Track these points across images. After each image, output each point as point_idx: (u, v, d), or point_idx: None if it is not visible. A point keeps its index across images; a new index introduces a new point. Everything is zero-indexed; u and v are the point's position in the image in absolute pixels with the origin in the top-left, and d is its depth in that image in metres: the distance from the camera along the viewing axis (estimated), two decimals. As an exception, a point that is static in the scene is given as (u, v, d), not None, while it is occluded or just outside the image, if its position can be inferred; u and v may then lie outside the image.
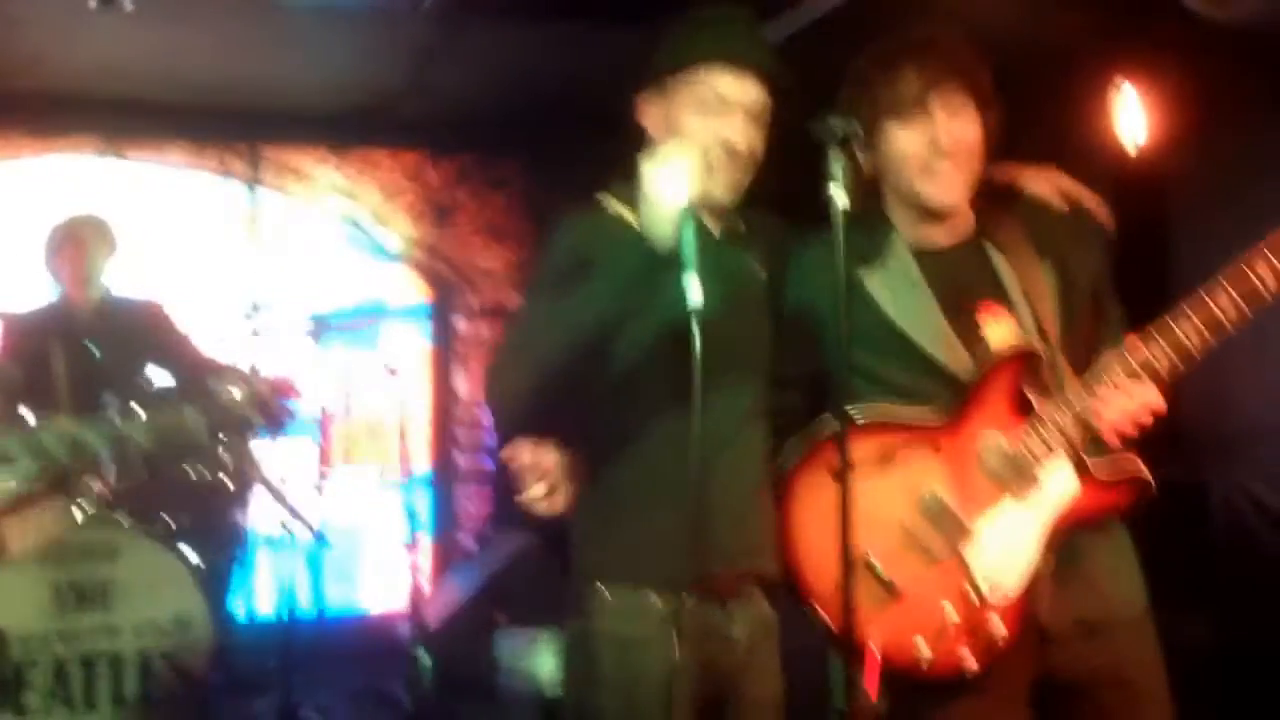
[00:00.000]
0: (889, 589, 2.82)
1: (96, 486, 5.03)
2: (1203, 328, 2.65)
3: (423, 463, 8.59)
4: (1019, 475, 2.77)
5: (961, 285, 2.91)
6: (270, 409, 4.26)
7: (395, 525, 6.48)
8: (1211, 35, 5.17)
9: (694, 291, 2.54)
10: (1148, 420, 2.70)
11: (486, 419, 8.40)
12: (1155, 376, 2.69)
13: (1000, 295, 2.89)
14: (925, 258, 2.96)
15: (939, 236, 2.96)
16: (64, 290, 5.88)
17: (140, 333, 5.89)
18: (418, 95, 7.51)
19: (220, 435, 5.05)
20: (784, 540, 2.95)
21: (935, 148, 2.83)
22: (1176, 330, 2.68)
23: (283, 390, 5.59)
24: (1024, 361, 2.82)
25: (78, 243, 5.89)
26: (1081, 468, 2.77)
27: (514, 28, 6.43)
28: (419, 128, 8.30)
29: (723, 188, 2.90)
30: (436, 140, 8.53)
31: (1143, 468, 2.75)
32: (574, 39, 6.43)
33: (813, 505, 2.89)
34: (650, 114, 2.98)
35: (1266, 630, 5.60)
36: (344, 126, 8.24)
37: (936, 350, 2.88)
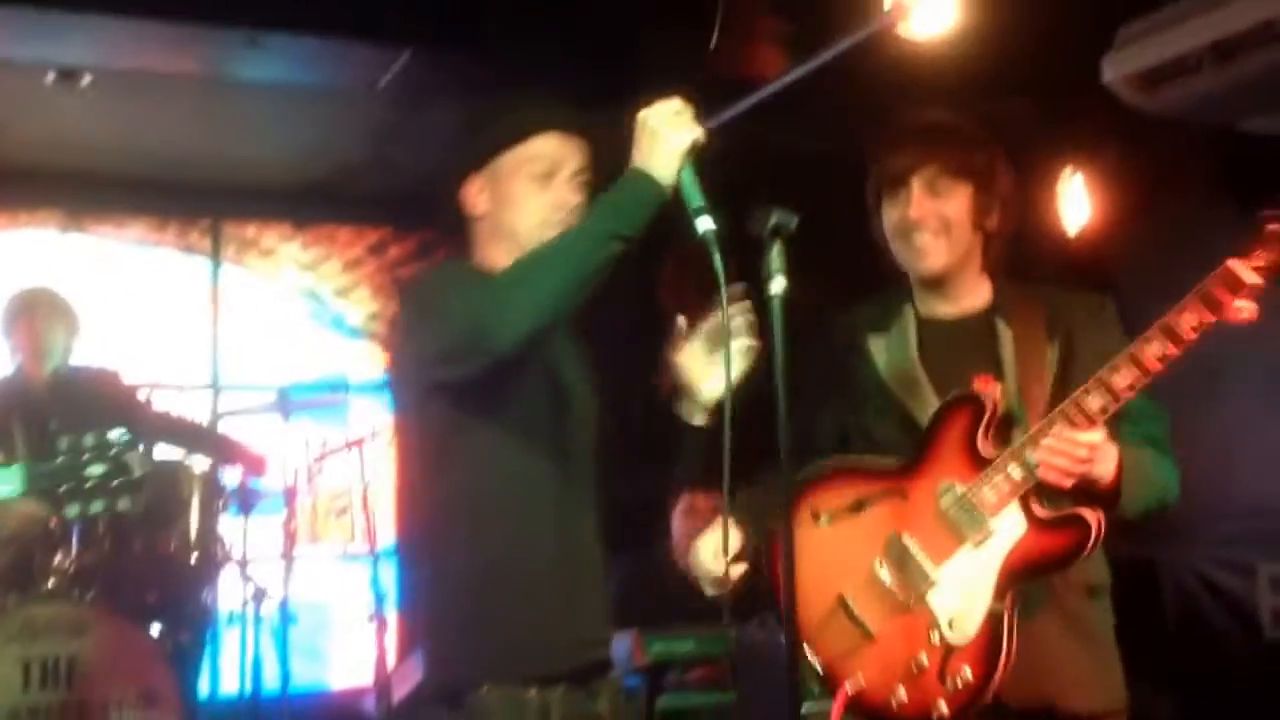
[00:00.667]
0: (864, 630, 2.97)
1: (63, 563, 5.04)
2: (1134, 373, 2.82)
3: (388, 537, 8.59)
4: (974, 523, 2.91)
5: (959, 355, 3.12)
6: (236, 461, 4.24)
7: (361, 600, 6.47)
8: (1148, 125, 5.35)
9: (705, 223, 2.55)
10: (1088, 462, 2.82)
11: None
12: (1091, 420, 2.83)
13: (994, 368, 3.07)
14: (931, 326, 3.21)
15: (947, 308, 3.21)
16: (20, 363, 5.87)
17: (98, 400, 5.87)
18: (378, 172, 7.60)
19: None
20: (773, 583, 3.06)
21: (907, 219, 3.10)
22: (1108, 378, 2.83)
23: (254, 462, 5.64)
24: (973, 411, 2.97)
25: (32, 316, 5.85)
26: (1029, 512, 2.89)
27: (470, 108, 6.52)
28: (380, 204, 8.36)
29: None
30: (398, 216, 8.57)
31: (1085, 511, 2.85)
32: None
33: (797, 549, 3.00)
34: (477, 197, 2.99)
35: (1220, 709, 5.69)
36: (306, 202, 8.30)
37: (921, 415, 3.09)
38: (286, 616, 5.87)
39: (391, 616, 7.74)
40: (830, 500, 3.06)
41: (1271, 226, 2.77)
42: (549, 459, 2.92)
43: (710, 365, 2.85)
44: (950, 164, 3.10)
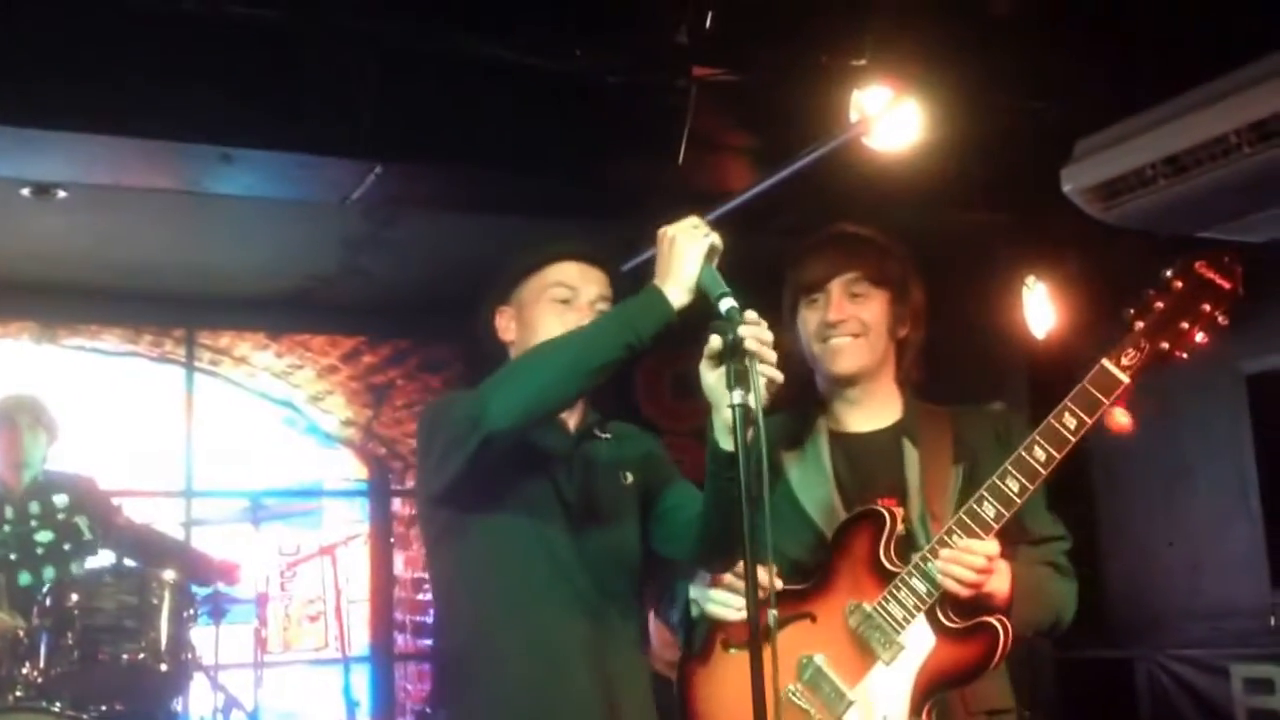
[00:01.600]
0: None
1: (30, 673, 5.02)
2: (1022, 478, 2.88)
3: (361, 642, 8.58)
4: (884, 640, 2.93)
5: (866, 472, 3.18)
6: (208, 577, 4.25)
7: (333, 708, 6.45)
8: (1109, 232, 5.46)
9: (728, 302, 2.63)
10: (986, 571, 2.86)
11: (426, 597, 8.41)
12: (986, 528, 2.88)
13: (899, 487, 3.12)
14: (841, 440, 3.24)
15: (858, 423, 3.25)
16: None
17: (74, 506, 5.87)
18: (351, 281, 7.65)
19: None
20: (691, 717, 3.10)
21: (827, 321, 3.17)
22: (1000, 485, 2.89)
23: (225, 571, 5.64)
24: (874, 527, 3.01)
25: (12, 425, 5.88)
26: (936, 624, 2.92)
27: (442, 220, 6.62)
28: (354, 312, 8.41)
29: None
30: (372, 324, 8.62)
31: (993, 619, 2.88)
32: (504, 228, 6.61)
33: (712, 681, 3.08)
34: (504, 324, 3.18)
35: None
36: (279, 311, 8.34)
37: (826, 526, 3.13)
38: (256, 726, 5.85)
39: (364, 725, 7.74)
40: (739, 629, 2.92)
41: (1138, 324, 2.85)
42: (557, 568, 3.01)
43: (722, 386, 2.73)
44: (869, 271, 3.20)
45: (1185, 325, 2.83)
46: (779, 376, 2.60)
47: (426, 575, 8.28)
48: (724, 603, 2.97)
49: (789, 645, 2.95)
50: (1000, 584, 2.90)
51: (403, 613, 8.79)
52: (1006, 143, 5.69)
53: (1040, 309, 6.50)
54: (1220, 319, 2.84)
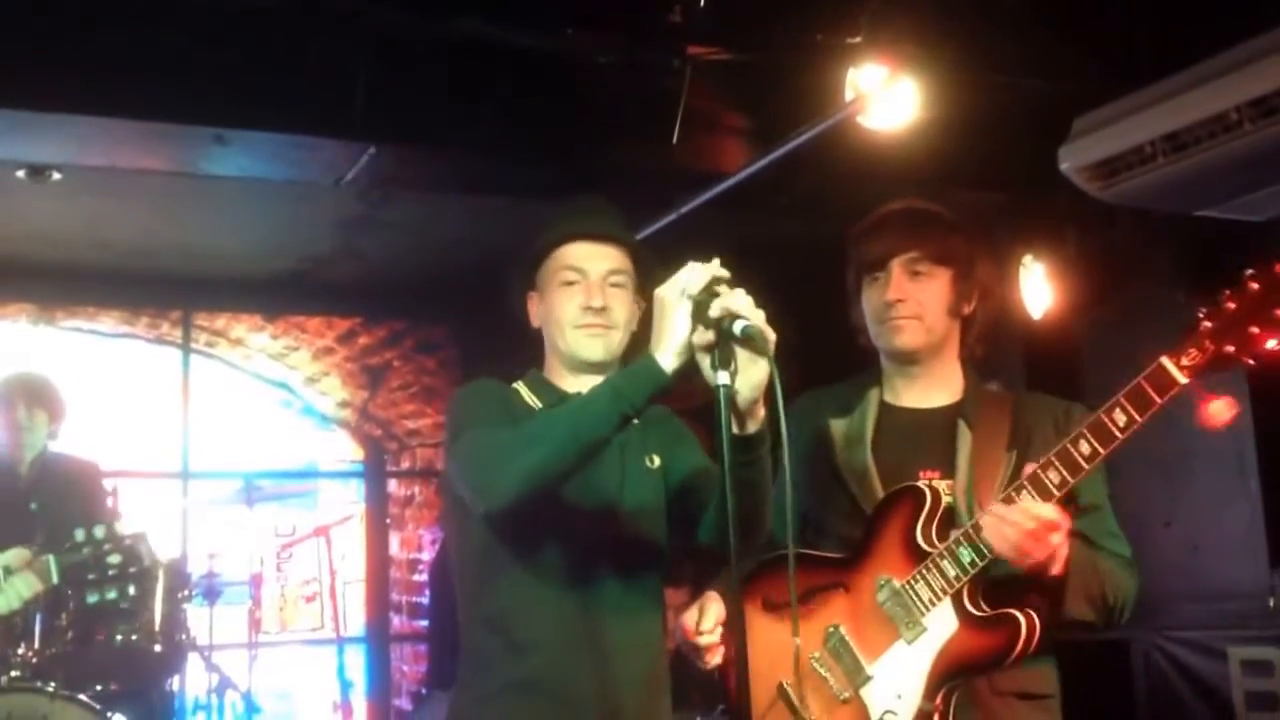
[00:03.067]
0: None
1: (25, 654, 5.02)
2: (1064, 471, 2.81)
3: (357, 623, 8.57)
4: (908, 619, 2.93)
5: (915, 447, 3.14)
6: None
7: (327, 688, 6.45)
8: (1107, 211, 5.44)
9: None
10: (1036, 536, 2.78)
11: (422, 578, 8.41)
12: (1046, 493, 2.82)
13: (946, 466, 3.09)
14: (893, 414, 3.23)
15: (914, 398, 3.23)
16: (1, 449, 5.90)
17: (76, 490, 5.89)
18: (347, 262, 7.64)
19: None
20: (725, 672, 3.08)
21: (888, 300, 3.13)
22: (1042, 476, 2.83)
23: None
24: (914, 504, 2.99)
25: (15, 405, 5.89)
26: (961, 609, 2.90)
27: (436, 201, 6.60)
28: (349, 294, 8.39)
29: (599, 350, 3.04)
30: (367, 306, 8.61)
31: (1017, 611, 2.86)
32: (499, 209, 6.60)
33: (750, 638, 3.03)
34: (534, 309, 3.14)
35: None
36: (275, 293, 8.32)
37: (868, 505, 3.09)
38: (251, 705, 5.84)
39: (359, 704, 7.75)
40: (780, 590, 3.06)
41: (1205, 324, 2.73)
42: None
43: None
44: (930, 249, 3.15)
45: (1255, 330, 2.68)
46: (769, 333, 2.48)
47: (433, 550, 8.31)
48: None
49: (820, 613, 3.03)
50: (1053, 558, 2.81)
51: (398, 593, 8.78)
52: (1003, 121, 5.66)
53: (1037, 288, 6.48)
54: None
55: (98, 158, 5.50)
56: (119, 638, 5.17)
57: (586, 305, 3.01)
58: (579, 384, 3.01)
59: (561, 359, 3.08)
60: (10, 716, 4.83)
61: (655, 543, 3.06)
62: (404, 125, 5.35)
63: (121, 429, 8.15)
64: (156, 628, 5.24)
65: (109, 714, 4.98)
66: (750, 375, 2.53)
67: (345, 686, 5.95)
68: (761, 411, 2.60)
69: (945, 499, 3.00)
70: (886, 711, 2.90)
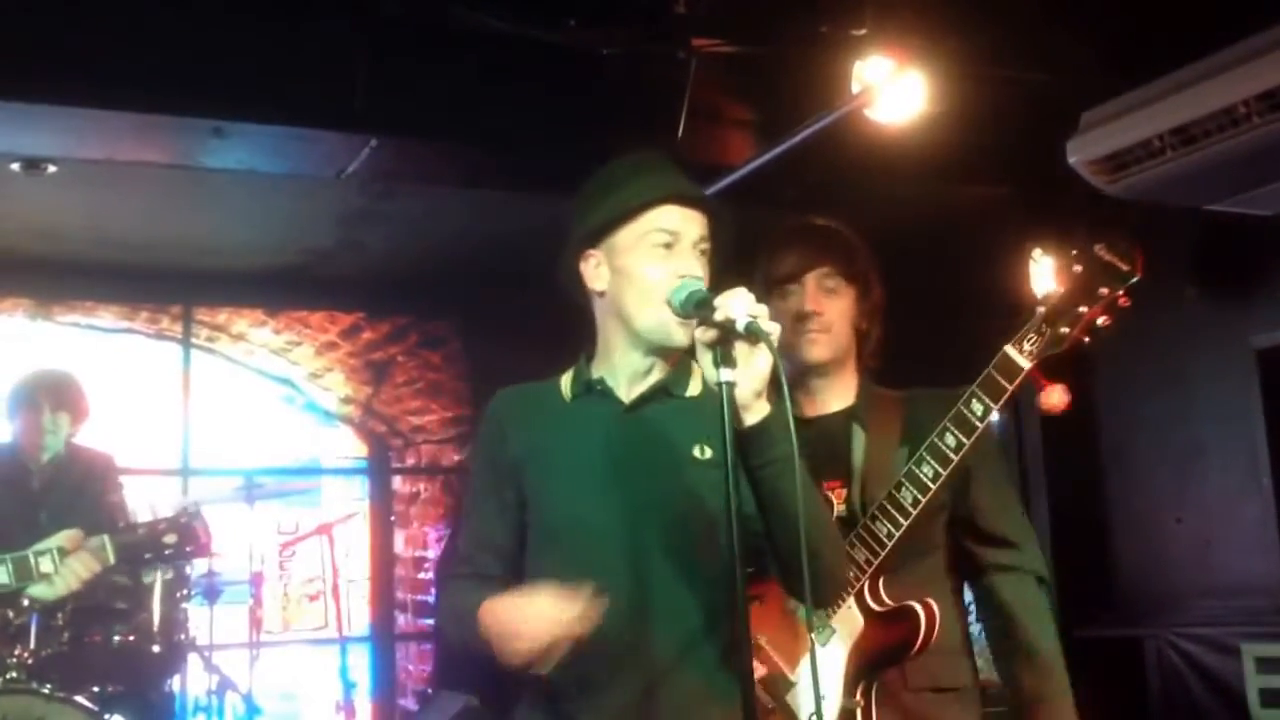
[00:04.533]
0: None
1: (21, 655, 4.99)
2: (935, 464, 2.99)
3: (361, 623, 8.53)
4: (818, 622, 3.03)
5: (817, 457, 3.05)
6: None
7: (330, 689, 6.42)
8: (1115, 205, 5.40)
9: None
10: None
11: (427, 576, 8.37)
12: (905, 513, 3.00)
13: (842, 470, 3.22)
14: (797, 425, 3.12)
15: (811, 408, 3.34)
16: (19, 445, 5.88)
17: (92, 482, 5.88)
18: (349, 256, 7.60)
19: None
20: None
21: (805, 311, 3.27)
22: (916, 471, 3.01)
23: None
24: None
25: (33, 406, 5.87)
26: (864, 606, 3.03)
27: (438, 194, 6.56)
28: (353, 288, 8.34)
29: (684, 336, 2.73)
30: (371, 300, 8.55)
31: (915, 604, 2.99)
32: (500, 203, 6.57)
33: None
34: (593, 270, 2.83)
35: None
36: (277, 287, 8.27)
37: None
38: (252, 706, 5.81)
39: (363, 704, 7.71)
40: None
41: (1040, 310, 2.93)
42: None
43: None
44: (841, 266, 3.32)
45: (1084, 309, 2.91)
46: (773, 326, 2.44)
47: (438, 548, 8.28)
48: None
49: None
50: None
51: (404, 592, 8.72)
52: (1011, 114, 5.64)
53: (1046, 282, 6.43)
54: (1121, 301, 2.90)
55: (94, 150, 5.47)
56: (116, 638, 5.14)
57: (683, 275, 2.70)
58: (629, 366, 2.85)
59: (632, 331, 2.80)
60: (5, 718, 4.80)
61: (702, 544, 2.74)
62: (405, 118, 5.32)
63: (121, 425, 8.09)
64: (155, 628, 5.21)
65: (106, 715, 4.96)
66: (751, 367, 2.47)
67: (348, 687, 5.91)
68: (762, 403, 2.51)
69: (838, 510, 3.14)
70: (812, 714, 2.92)
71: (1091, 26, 5.29)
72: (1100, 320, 2.91)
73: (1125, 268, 2.90)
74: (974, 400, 2.94)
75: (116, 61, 4.82)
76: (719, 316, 2.45)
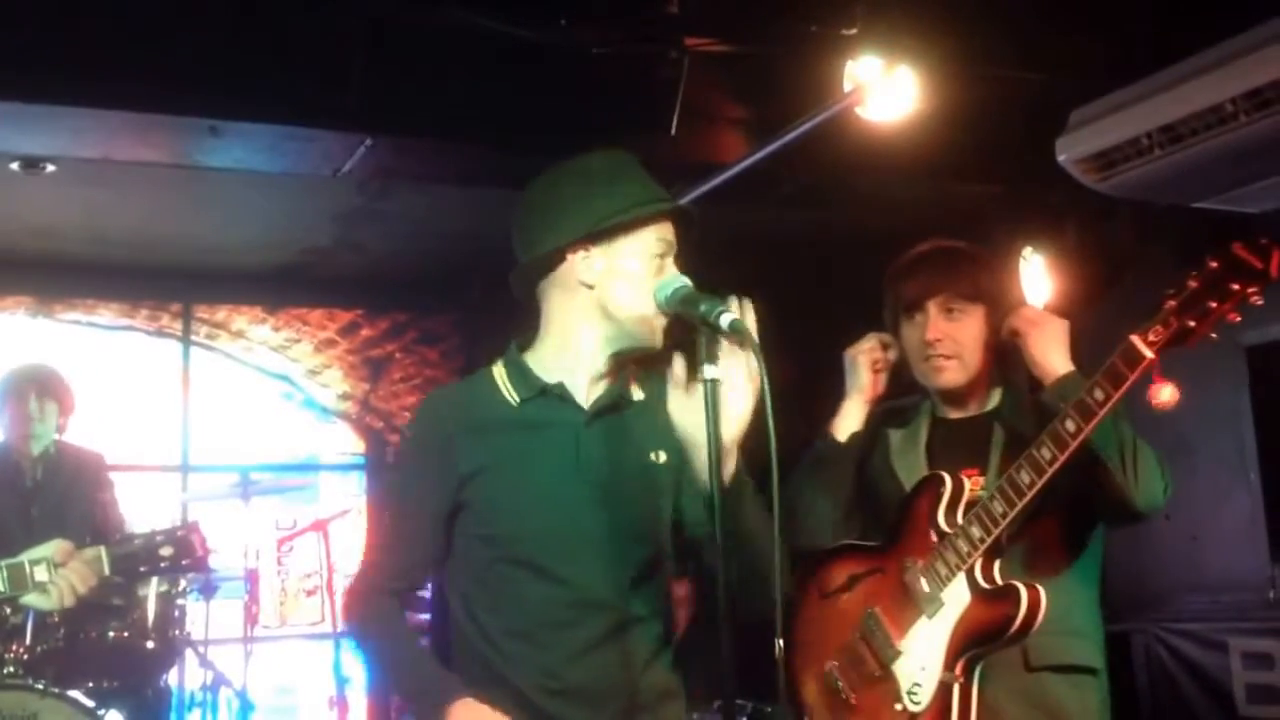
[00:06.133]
0: (845, 700, 3.23)
1: (18, 651, 5.01)
2: (1054, 448, 3.01)
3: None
4: (929, 596, 3.14)
5: (957, 450, 3.40)
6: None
7: (324, 684, 6.43)
8: (1106, 203, 5.43)
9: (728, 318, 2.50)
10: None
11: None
12: (1020, 494, 3.05)
13: (982, 463, 3.33)
14: (941, 424, 3.51)
15: (955, 410, 3.50)
16: (9, 440, 5.91)
17: (82, 481, 5.90)
18: (348, 254, 7.62)
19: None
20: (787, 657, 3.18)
21: (927, 339, 3.39)
22: (1035, 454, 3.05)
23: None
24: (934, 492, 3.23)
25: (19, 397, 5.90)
26: (973, 583, 3.10)
27: (435, 192, 6.59)
28: (351, 286, 8.37)
29: (661, 342, 2.82)
30: (369, 298, 8.58)
31: (1019, 584, 3.03)
32: (497, 200, 6.58)
33: (799, 624, 3.38)
34: (588, 264, 2.81)
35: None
36: (276, 285, 8.31)
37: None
38: (246, 702, 5.83)
39: (358, 700, 7.72)
40: (832, 579, 3.38)
41: (1170, 303, 2.92)
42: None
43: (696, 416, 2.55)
44: (963, 288, 3.40)
45: (1214, 304, 2.87)
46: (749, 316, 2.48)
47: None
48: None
49: (863, 598, 3.30)
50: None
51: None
52: (1002, 113, 5.65)
53: (1037, 281, 6.46)
54: (1253, 299, 2.87)
55: (91, 150, 5.49)
56: (111, 634, 5.16)
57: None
58: (593, 366, 2.85)
59: (614, 329, 2.82)
60: (0, 714, 4.83)
61: (657, 549, 2.86)
62: (400, 116, 5.33)
63: (121, 422, 8.13)
64: (150, 624, 5.23)
65: (101, 711, 4.98)
66: (732, 374, 2.50)
67: (341, 682, 5.92)
68: (733, 457, 2.56)
69: (969, 490, 3.23)
70: (914, 684, 3.10)
71: (1081, 24, 5.31)
72: (1230, 317, 2.90)
73: (1260, 265, 2.86)
74: (1096, 388, 2.97)
75: (113, 61, 4.83)
76: (703, 312, 2.51)
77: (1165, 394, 2.99)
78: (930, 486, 3.26)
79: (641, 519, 2.84)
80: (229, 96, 5.02)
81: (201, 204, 6.87)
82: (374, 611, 2.88)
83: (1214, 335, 2.93)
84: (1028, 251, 6.43)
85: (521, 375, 2.87)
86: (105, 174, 6.12)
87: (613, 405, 2.88)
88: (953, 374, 3.39)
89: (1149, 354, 2.93)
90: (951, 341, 3.37)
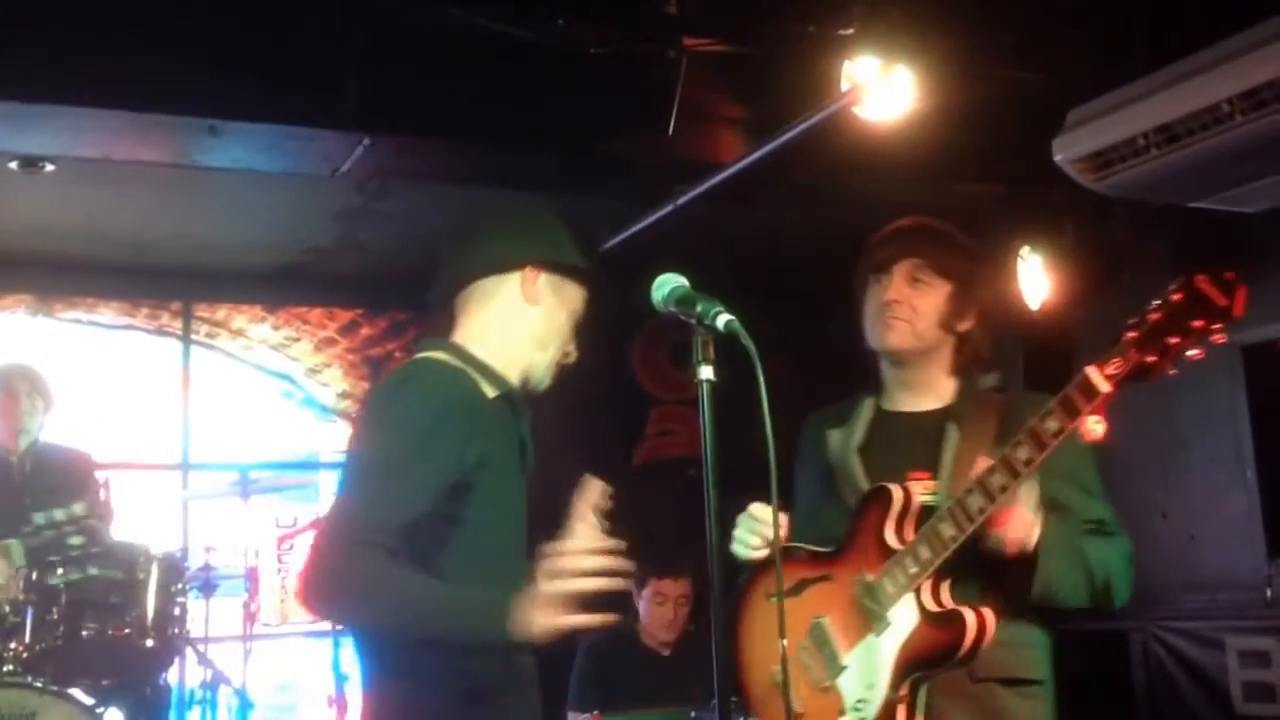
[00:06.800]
0: (790, 711, 3.04)
1: (17, 649, 5.02)
2: (1006, 475, 2.89)
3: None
4: (877, 614, 3.02)
5: (905, 450, 3.26)
6: None
7: (323, 682, 6.43)
8: (1104, 202, 5.44)
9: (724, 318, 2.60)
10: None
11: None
12: (971, 519, 2.92)
13: (933, 466, 3.20)
14: (888, 419, 3.38)
15: (907, 403, 3.36)
16: None
17: (68, 480, 5.92)
18: (347, 253, 7.64)
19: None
20: (734, 656, 3.23)
21: (886, 299, 3.28)
22: (987, 479, 2.91)
23: None
24: (883, 504, 3.09)
25: (10, 392, 5.93)
26: (920, 605, 2.99)
27: (433, 192, 6.60)
28: (351, 285, 8.38)
29: (548, 380, 3.12)
30: (369, 297, 8.59)
31: (966, 610, 2.93)
32: (496, 200, 6.58)
33: (749, 624, 3.26)
34: (536, 288, 3.06)
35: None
36: (276, 284, 8.32)
37: (854, 502, 3.22)
38: (245, 700, 5.84)
39: (355, 698, 7.71)
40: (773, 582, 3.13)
41: (1129, 335, 2.79)
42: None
43: None
44: (934, 259, 3.29)
45: (1174, 340, 2.75)
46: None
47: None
48: (742, 540, 3.17)
49: (809, 604, 3.15)
50: (1021, 532, 2.93)
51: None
52: (999, 112, 5.66)
53: (1035, 280, 6.48)
54: (1215, 337, 2.74)
55: (90, 149, 5.51)
56: (110, 632, 5.17)
57: (570, 349, 3.13)
58: (530, 369, 3.08)
59: (523, 358, 3.07)
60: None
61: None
62: (398, 116, 5.35)
63: (121, 421, 8.15)
64: (149, 622, 5.23)
65: (100, 709, 4.99)
66: None
67: (340, 680, 5.92)
68: None
69: (920, 498, 3.10)
70: (859, 700, 3.00)
71: (1078, 24, 5.32)
72: (1190, 353, 2.76)
73: (1223, 302, 2.71)
74: (1050, 418, 2.86)
75: (111, 60, 4.86)
76: (699, 312, 2.58)
77: (1097, 427, 2.91)
78: (879, 498, 3.11)
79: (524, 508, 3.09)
80: (228, 96, 5.05)
81: (201, 203, 6.88)
82: (362, 563, 2.68)
83: (1171, 372, 2.79)
84: (1025, 251, 6.46)
85: (489, 372, 3.02)
86: (105, 173, 6.13)
87: (524, 410, 3.11)
88: (900, 335, 3.26)
89: (1105, 388, 2.82)
90: (909, 307, 3.26)
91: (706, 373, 2.56)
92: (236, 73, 5.03)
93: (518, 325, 3.06)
